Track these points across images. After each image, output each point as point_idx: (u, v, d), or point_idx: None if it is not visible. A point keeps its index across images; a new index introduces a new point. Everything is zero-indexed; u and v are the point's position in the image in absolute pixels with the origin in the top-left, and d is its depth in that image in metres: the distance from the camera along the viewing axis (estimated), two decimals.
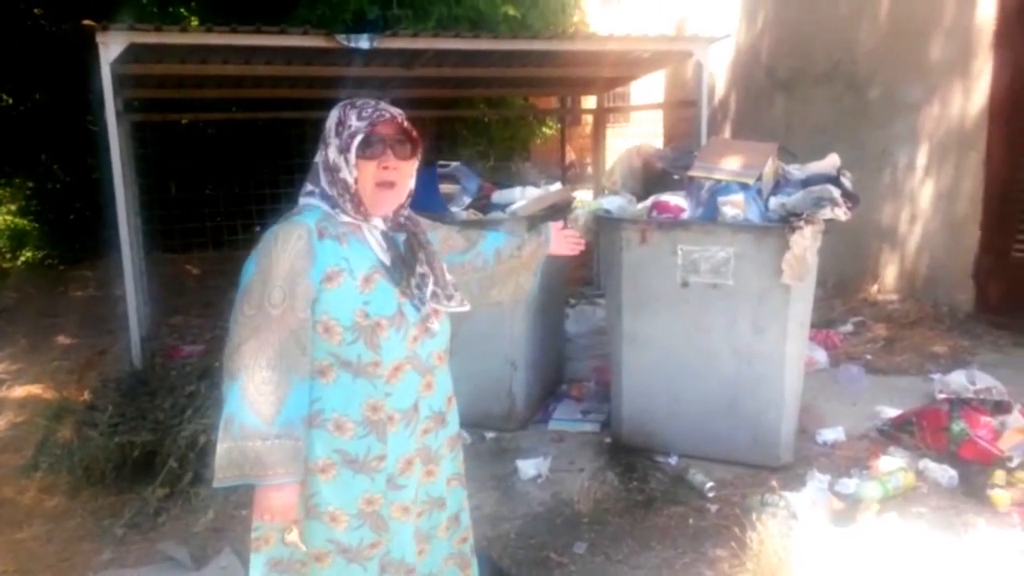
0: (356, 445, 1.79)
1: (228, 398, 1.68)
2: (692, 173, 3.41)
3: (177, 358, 5.08)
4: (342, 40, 4.37)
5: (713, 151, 3.49)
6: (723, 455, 3.56)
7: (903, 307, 6.00)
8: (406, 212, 1.91)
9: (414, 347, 1.82)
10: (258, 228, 7.00)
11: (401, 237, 1.87)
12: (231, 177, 8.37)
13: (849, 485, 3.29)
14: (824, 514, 3.01)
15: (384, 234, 1.85)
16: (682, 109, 6.94)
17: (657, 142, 8.18)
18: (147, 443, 3.55)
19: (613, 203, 3.65)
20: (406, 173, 1.85)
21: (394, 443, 1.81)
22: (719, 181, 3.32)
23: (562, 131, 9.77)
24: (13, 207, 11.32)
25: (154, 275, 5.79)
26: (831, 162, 3.59)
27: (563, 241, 2.34)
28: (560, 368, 4.63)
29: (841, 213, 3.21)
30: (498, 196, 4.01)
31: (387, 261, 1.83)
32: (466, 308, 1.95)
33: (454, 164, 4.00)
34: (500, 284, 2.22)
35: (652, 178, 3.78)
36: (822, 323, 5.69)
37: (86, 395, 4.52)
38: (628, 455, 3.69)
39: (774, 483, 3.12)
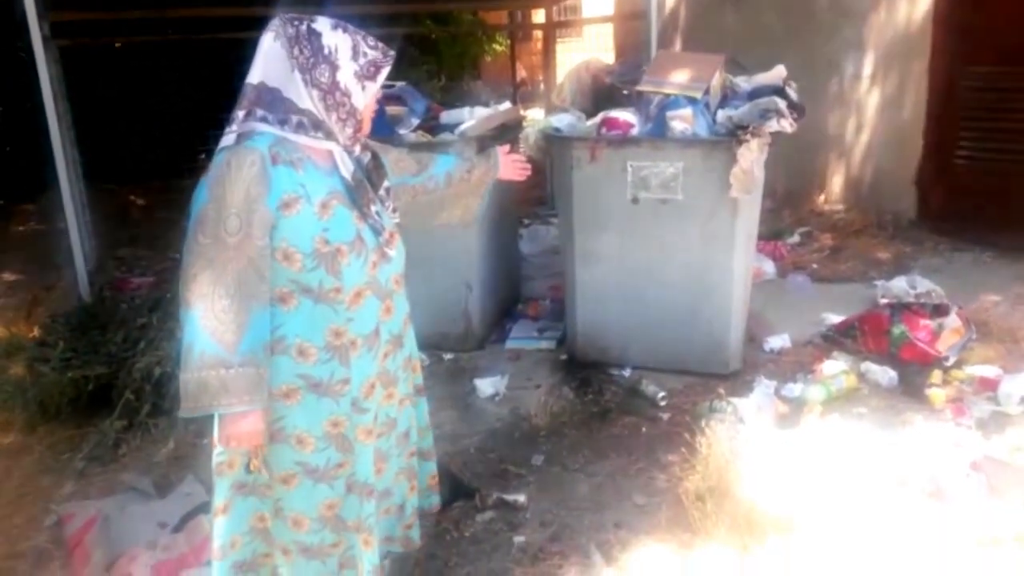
0: (320, 369, 1.80)
1: (187, 328, 1.67)
2: (640, 88, 3.40)
3: (127, 290, 5.01)
4: None
5: (661, 65, 3.47)
6: (675, 366, 3.66)
7: (848, 216, 6.13)
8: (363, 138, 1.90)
9: (374, 272, 1.83)
10: (203, 156, 6.81)
11: (365, 159, 1.87)
12: (172, 103, 8.08)
13: (795, 389, 3.43)
14: (770, 417, 3.14)
15: (351, 158, 1.84)
16: (632, 22, 6.84)
17: (609, 57, 8.08)
18: (101, 377, 3.53)
19: (563, 121, 3.63)
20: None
21: (357, 367, 1.84)
22: (667, 96, 3.31)
23: (512, 48, 9.61)
24: None
25: (97, 207, 5.61)
26: (777, 73, 3.59)
27: (511, 165, 2.35)
28: (516, 288, 4.67)
29: (787, 124, 3.24)
30: (446, 117, 3.95)
31: (352, 183, 1.82)
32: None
33: (400, 84, 3.91)
34: (449, 207, 2.25)
35: (602, 94, 3.76)
36: (771, 234, 5.79)
37: (36, 331, 4.45)
38: (583, 370, 3.78)
39: (721, 390, 3.23)
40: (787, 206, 6.52)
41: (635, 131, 3.41)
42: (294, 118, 1.75)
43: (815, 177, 6.49)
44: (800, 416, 3.15)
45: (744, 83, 3.58)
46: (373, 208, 1.84)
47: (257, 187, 1.69)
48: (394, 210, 1.94)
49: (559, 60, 8.26)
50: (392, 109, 3.78)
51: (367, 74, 1.77)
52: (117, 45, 7.67)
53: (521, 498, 2.80)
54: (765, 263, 5.03)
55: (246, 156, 1.70)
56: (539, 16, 8.48)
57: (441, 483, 2.83)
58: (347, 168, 1.82)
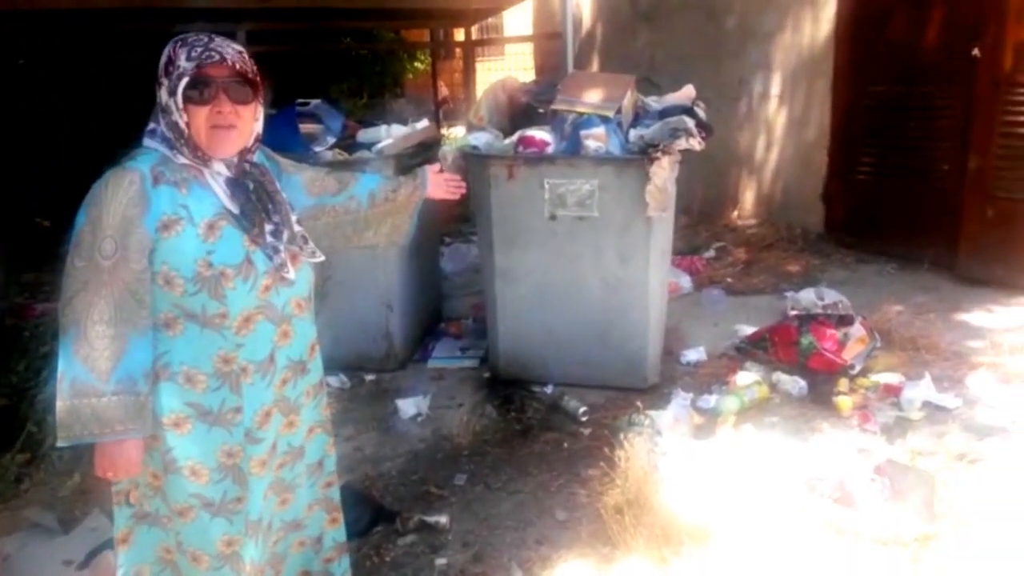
0: (210, 398, 1.75)
1: (62, 355, 1.62)
2: (554, 107, 3.45)
3: (30, 317, 4.79)
4: None
5: (574, 84, 3.53)
6: (595, 381, 3.71)
7: (760, 231, 6.34)
8: (253, 157, 1.84)
9: (266, 296, 1.77)
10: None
11: (249, 184, 1.80)
12: (86, 120, 7.77)
13: (710, 400, 3.51)
14: (686, 429, 3.21)
15: (229, 180, 1.77)
16: (551, 42, 6.96)
17: (529, 76, 8.18)
18: (2, 408, 3.37)
19: (480, 139, 3.65)
20: (247, 116, 1.75)
21: (250, 395, 1.78)
22: (581, 114, 3.37)
23: (433, 65, 9.64)
24: None
25: (1, 229, 5.37)
26: (686, 93, 3.70)
27: (442, 185, 2.31)
28: (438, 306, 4.66)
29: (695, 143, 3.33)
30: (363, 135, 3.93)
31: (234, 208, 1.75)
32: (320, 258, 1.92)
33: (315, 102, 3.87)
34: (375, 226, 2.19)
35: (518, 113, 3.80)
36: (688, 249, 5.95)
37: None
38: (506, 388, 3.79)
39: (639, 404, 3.28)
40: (703, 222, 6.71)
41: (551, 149, 3.45)
42: (170, 135, 1.71)
43: (728, 194, 6.70)
44: (714, 427, 3.22)
45: (655, 103, 3.67)
46: (267, 228, 1.78)
47: (134, 208, 1.64)
48: (303, 237, 1.89)
49: (480, 78, 8.34)
50: (307, 127, 3.74)
51: (173, 88, 1.66)
52: (20, 62, 7.33)
53: (443, 519, 2.78)
54: (682, 278, 5.15)
55: (124, 176, 1.66)
56: (460, 35, 8.55)
57: (360, 508, 2.82)
58: (223, 190, 1.75)
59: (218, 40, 1.72)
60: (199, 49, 1.68)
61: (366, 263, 3.81)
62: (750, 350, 3.99)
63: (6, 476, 3.14)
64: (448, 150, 3.63)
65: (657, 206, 3.30)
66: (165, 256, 1.67)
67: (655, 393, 3.66)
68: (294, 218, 1.88)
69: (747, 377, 3.67)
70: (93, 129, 7.50)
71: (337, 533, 2.16)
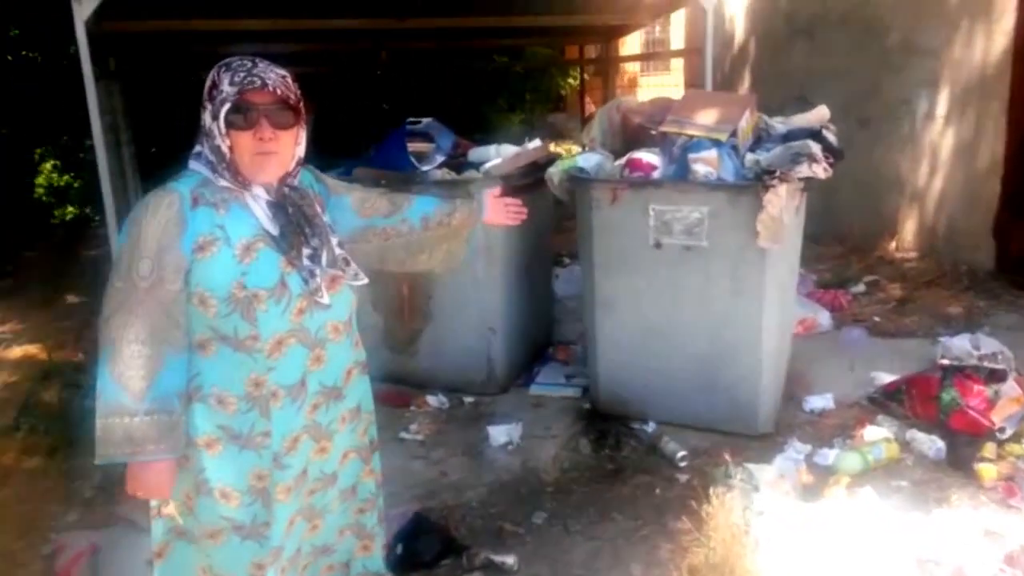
0: (239, 420, 1.73)
1: (99, 373, 1.64)
2: (663, 128, 3.24)
3: None
4: None
5: (688, 105, 3.30)
6: (701, 423, 3.45)
7: (920, 265, 5.75)
8: (295, 181, 1.81)
9: (299, 320, 1.74)
10: None
11: (289, 207, 1.77)
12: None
13: (829, 456, 3.16)
14: (791, 487, 2.89)
15: (270, 203, 1.75)
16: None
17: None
18: None
19: (589, 161, 3.50)
20: (288, 141, 1.74)
21: (279, 419, 1.75)
22: (691, 137, 3.14)
23: (581, 82, 9.54)
24: (48, 165, 11.56)
25: None
26: (818, 115, 3.38)
27: (500, 210, 2.23)
28: (548, 330, 4.53)
29: (820, 170, 3.02)
30: (474, 154, 3.88)
31: (274, 230, 1.74)
32: (363, 281, 1.87)
33: (426, 120, 3.86)
34: (429, 250, 2.14)
35: (631, 134, 3.61)
36: (835, 282, 5.50)
37: (80, 356, 4.57)
38: (605, 422, 3.59)
39: (727, 456, 3.00)
40: (855, 252, 6.20)
41: (658, 173, 3.24)
42: (212, 158, 1.71)
43: (886, 222, 6.13)
44: (825, 487, 2.88)
45: (780, 125, 3.37)
46: (305, 252, 1.75)
47: (172, 230, 1.64)
48: (344, 259, 1.84)
49: (649, 94, 8.17)
50: (417, 146, 3.73)
51: (215, 113, 1.66)
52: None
53: (509, 560, 2.64)
54: (820, 314, 4.73)
55: (163, 197, 1.67)
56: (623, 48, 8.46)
57: (430, 538, 2.74)
58: (263, 212, 1.74)
59: (261, 65, 1.71)
60: (242, 74, 1.67)
61: (469, 286, 3.74)
62: (884, 401, 3.58)
63: (115, 472, 3.31)
64: (554, 171, 3.50)
65: (769, 237, 3.01)
66: (200, 277, 1.67)
67: (767, 442, 3.35)
68: (335, 240, 1.84)
69: (876, 432, 3.29)
70: None
71: (369, 561, 2.09)
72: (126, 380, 1.62)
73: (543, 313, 4.44)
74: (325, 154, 5.03)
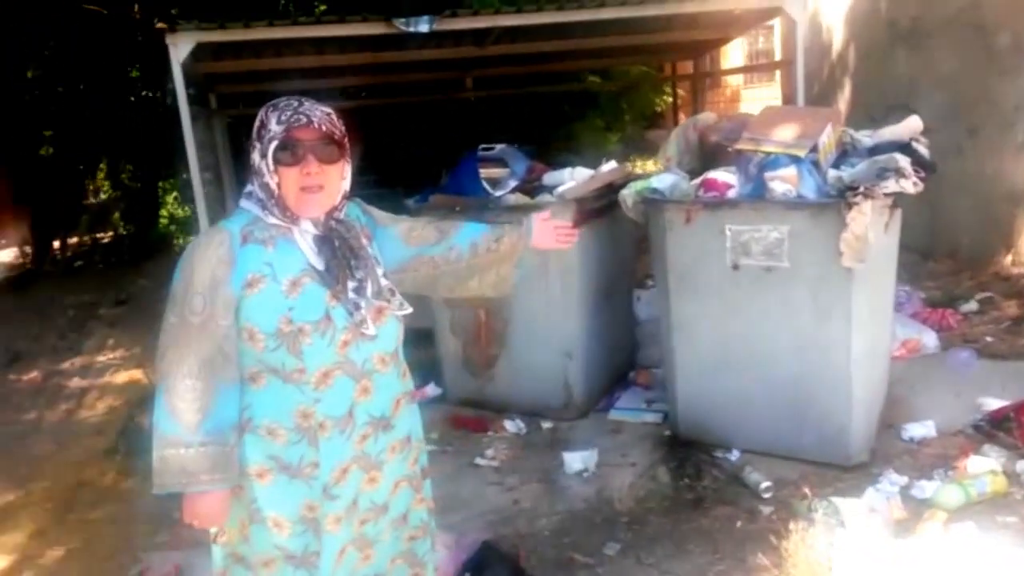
0: (290, 452, 1.75)
1: (156, 406, 1.69)
2: (739, 146, 3.12)
3: None
4: (400, 25, 4.34)
5: (766, 121, 3.17)
6: (788, 452, 3.28)
7: None
8: (341, 215, 1.83)
9: (345, 352, 1.75)
10: None
11: (335, 241, 1.79)
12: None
13: (926, 489, 2.95)
14: (883, 523, 2.70)
15: (316, 237, 1.78)
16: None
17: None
18: None
19: (664, 181, 3.41)
20: (334, 176, 1.76)
21: (327, 450, 1.76)
22: (768, 154, 3.01)
23: (674, 97, 9.40)
24: (170, 198, 12.37)
25: None
26: (909, 126, 3.19)
27: (549, 233, 2.17)
28: (630, 353, 4.43)
29: (909, 184, 2.84)
30: (548, 178, 3.85)
31: (319, 265, 1.76)
32: (407, 310, 1.87)
33: (500, 146, 3.86)
34: (479, 276, 2.11)
35: (709, 153, 3.50)
36: (944, 300, 5.17)
37: None
38: (685, 449, 3.47)
39: (806, 489, 2.83)
40: (968, 268, 5.81)
41: (734, 192, 3.13)
42: (262, 196, 1.74)
43: (1001, 235, 5.71)
44: (919, 523, 2.68)
45: (867, 139, 3.20)
46: (350, 285, 1.76)
47: (222, 268, 1.68)
48: (390, 290, 1.85)
49: (747, 107, 7.96)
50: (491, 171, 3.74)
51: (264, 151, 1.70)
52: None
53: None
54: (926, 334, 4.44)
55: (214, 236, 1.72)
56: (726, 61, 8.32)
57: (498, 568, 2.70)
58: (310, 247, 1.76)
59: (307, 104, 1.74)
60: (288, 113, 1.71)
61: (545, 311, 3.71)
62: (991, 430, 3.31)
63: None
64: (627, 193, 3.43)
65: (854, 256, 2.85)
66: (249, 312, 1.70)
67: (860, 472, 3.16)
68: (380, 272, 1.84)
69: (981, 463, 3.04)
70: None
71: None
72: (180, 413, 1.66)
73: (624, 337, 4.35)
74: (411, 184, 5.11)
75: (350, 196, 1.90)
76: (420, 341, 4.60)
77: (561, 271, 3.66)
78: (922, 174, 2.92)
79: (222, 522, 1.75)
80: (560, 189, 3.65)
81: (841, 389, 3.11)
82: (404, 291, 2.10)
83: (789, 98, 8.45)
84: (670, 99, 12.05)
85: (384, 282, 1.84)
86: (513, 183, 3.71)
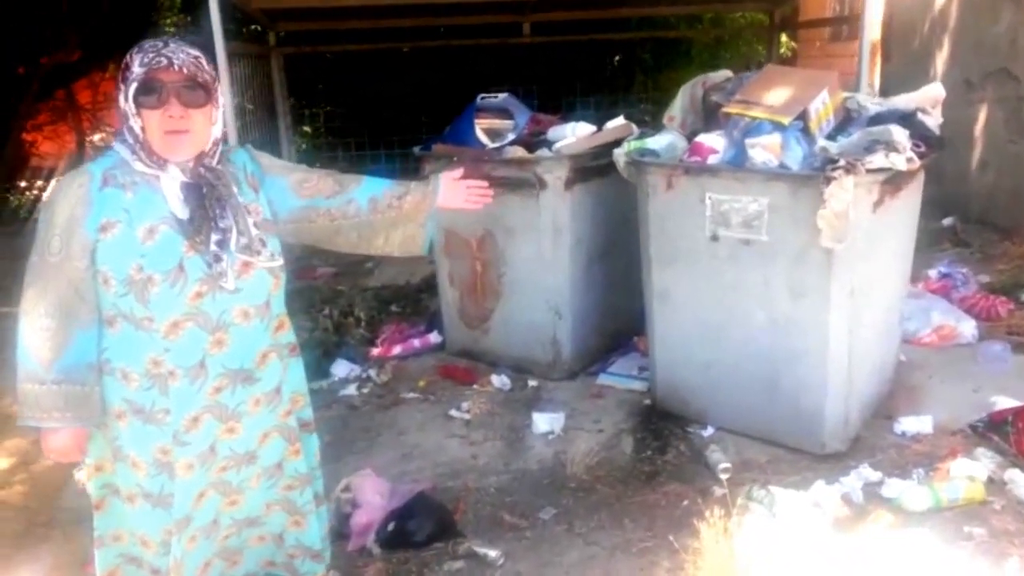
0: (142, 396, 1.80)
1: (18, 343, 1.76)
2: (726, 109, 2.92)
3: (312, 278, 5.50)
4: None
5: (763, 83, 2.95)
6: (761, 433, 3.14)
7: None
8: (212, 161, 1.82)
9: (197, 303, 1.76)
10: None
11: (203, 188, 1.79)
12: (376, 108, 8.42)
13: (896, 488, 2.76)
14: (822, 519, 2.55)
15: (184, 184, 1.78)
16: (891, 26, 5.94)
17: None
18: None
19: (660, 142, 3.25)
20: (201, 120, 1.75)
21: (177, 398, 1.80)
22: (753, 119, 2.81)
23: (769, 49, 8.91)
24: None
25: None
26: (926, 95, 2.90)
27: (459, 193, 2.12)
28: (634, 318, 4.28)
29: (900, 161, 2.59)
30: (553, 132, 3.73)
31: (183, 213, 1.76)
32: (277, 262, 1.86)
33: (502, 95, 3.75)
34: (384, 234, 2.09)
35: (711, 114, 3.30)
36: (1009, 286, 4.75)
37: None
38: (660, 421, 3.38)
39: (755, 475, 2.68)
40: None
41: (717, 158, 2.95)
42: (129, 140, 1.75)
43: None
44: (859, 524, 2.52)
45: (875, 105, 2.93)
46: (213, 237, 1.76)
47: (79, 209, 1.71)
48: (261, 240, 1.84)
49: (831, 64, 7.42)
50: (489, 122, 3.65)
51: (126, 93, 1.70)
52: (328, 56, 8.15)
53: (493, 553, 2.57)
54: (963, 322, 4.10)
55: (75, 179, 1.74)
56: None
57: (424, 518, 2.72)
58: (176, 195, 1.76)
59: (172, 45, 1.73)
60: (151, 55, 1.71)
61: (534, 266, 3.65)
62: (987, 432, 3.05)
63: None
64: (620, 153, 3.29)
65: (831, 235, 2.64)
66: (103, 256, 1.73)
67: (834, 463, 2.99)
68: (251, 222, 1.84)
69: (966, 467, 2.82)
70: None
71: (303, 536, 2.11)
72: (35, 350, 1.73)
73: (627, 301, 4.21)
74: None
75: (244, 143, 1.90)
76: (431, 289, 4.64)
77: (553, 228, 3.57)
78: (922, 149, 2.65)
79: (77, 458, 1.84)
80: (557, 145, 3.53)
81: (815, 373, 2.93)
82: (303, 242, 2.12)
83: (887, 56, 7.86)
84: (763, 49, 11.40)
85: (255, 232, 1.83)
86: (512, 136, 3.61)
